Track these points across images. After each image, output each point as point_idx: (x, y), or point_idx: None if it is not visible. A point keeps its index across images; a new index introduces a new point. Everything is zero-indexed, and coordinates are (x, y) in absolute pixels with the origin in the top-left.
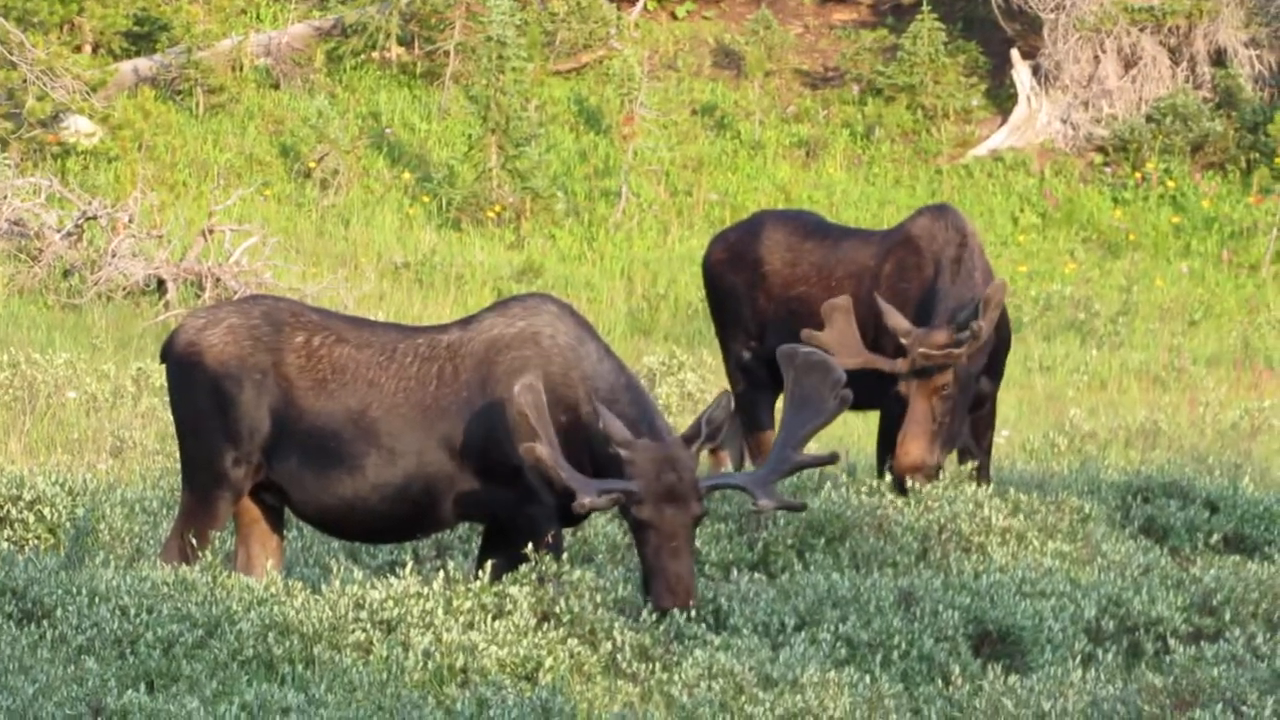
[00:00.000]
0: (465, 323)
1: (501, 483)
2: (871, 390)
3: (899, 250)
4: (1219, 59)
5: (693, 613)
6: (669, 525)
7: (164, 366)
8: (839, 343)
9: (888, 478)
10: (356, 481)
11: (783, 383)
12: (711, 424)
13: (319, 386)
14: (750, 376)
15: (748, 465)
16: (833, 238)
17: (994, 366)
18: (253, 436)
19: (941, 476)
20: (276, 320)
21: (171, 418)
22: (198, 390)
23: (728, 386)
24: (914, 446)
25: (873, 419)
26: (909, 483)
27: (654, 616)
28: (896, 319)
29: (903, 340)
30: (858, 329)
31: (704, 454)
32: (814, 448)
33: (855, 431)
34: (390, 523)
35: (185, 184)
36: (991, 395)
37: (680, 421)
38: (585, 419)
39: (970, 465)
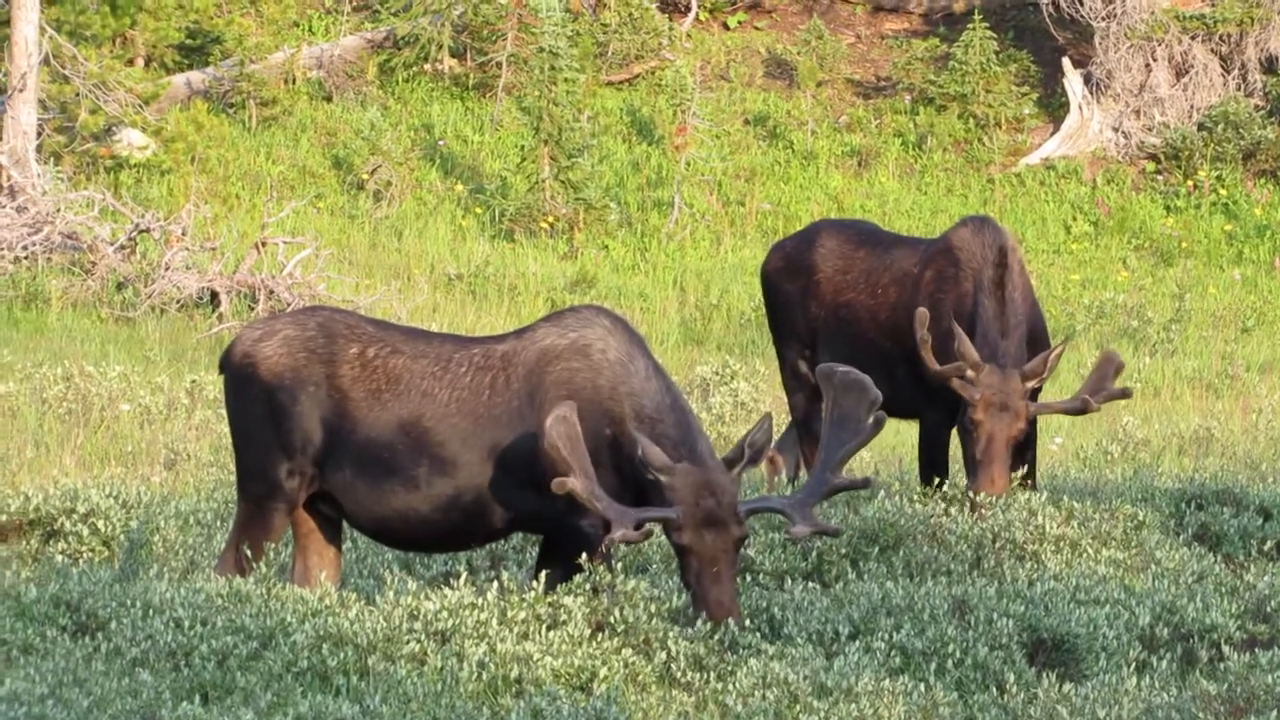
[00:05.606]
0: (520, 333)
1: (550, 493)
2: (912, 400)
3: (939, 259)
4: (1270, 66)
5: (746, 622)
6: (709, 550)
7: (221, 377)
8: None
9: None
10: (410, 492)
11: None
12: (753, 447)
13: (373, 397)
14: (805, 384)
15: (803, 473)
16: (883, 245)
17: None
18: (306, 447)
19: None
20: (331, 332)
21: (227, 429)
22: (253, 401)
23: (783, 395)
24: (1000, 479)
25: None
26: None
27: (708, 626)
28: (968, 348)
29: (969, 372)
30: (902, 335)
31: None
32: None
33: (907, 440)
34: (443, 533)
35: (238, 197)
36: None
37: (734, 431)
38: (631, 434)
39: (1019, 473)
